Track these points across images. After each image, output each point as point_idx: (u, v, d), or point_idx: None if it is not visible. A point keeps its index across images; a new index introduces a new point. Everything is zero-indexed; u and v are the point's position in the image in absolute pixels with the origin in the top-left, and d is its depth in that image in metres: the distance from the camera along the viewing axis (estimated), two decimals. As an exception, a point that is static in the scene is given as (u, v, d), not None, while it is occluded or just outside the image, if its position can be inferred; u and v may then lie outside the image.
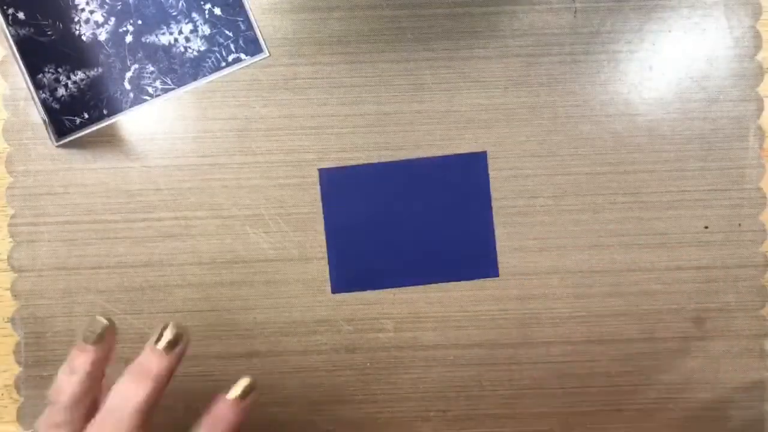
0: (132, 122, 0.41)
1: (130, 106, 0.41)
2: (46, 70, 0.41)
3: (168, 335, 0.29)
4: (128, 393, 0.28)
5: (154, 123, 0.41)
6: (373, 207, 0.41)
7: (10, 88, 0.41)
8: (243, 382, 0.30)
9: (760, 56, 0.41)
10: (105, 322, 0.29)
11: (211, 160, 0.41)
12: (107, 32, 0.41)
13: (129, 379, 0.28)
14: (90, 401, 0.29)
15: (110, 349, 0.30)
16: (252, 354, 0.41)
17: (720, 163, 0.41)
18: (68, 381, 0.29)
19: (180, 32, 0.41)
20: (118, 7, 0.41)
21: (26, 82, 0.40)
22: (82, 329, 0.29)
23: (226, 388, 0.31)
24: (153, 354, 0.29)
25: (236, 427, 0.30)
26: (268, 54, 0.42)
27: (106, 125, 0.41)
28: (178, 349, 0.29)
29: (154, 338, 0.29)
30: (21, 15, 0.40)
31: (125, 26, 0.41)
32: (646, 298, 0.41)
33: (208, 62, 0.41)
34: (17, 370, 0.41)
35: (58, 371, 0.29)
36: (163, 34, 0.41)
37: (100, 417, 0.28)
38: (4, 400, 0.41)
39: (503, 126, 0.41)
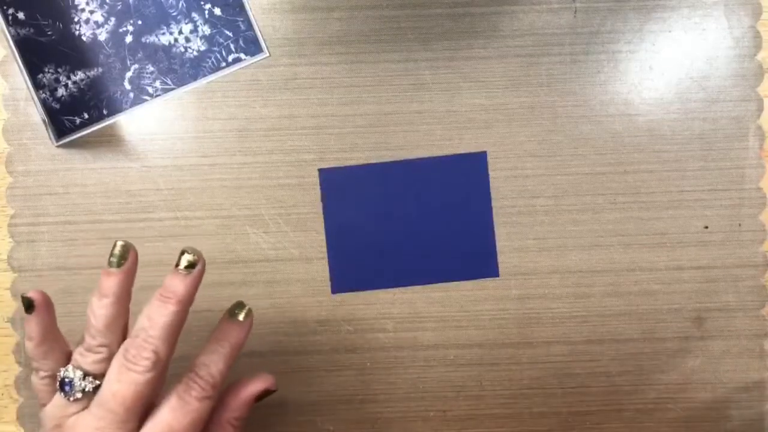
0: (132, 122, 0.41)
1: (130, 106, 0.41)
2: (46, 70, 0.41)
3: (187, 258, 0.32)
4: (155, 313, 0.31)
5: (154, 123, 0.41)
6: (373, 207, 0.41)
7: (10, 88, 0.41)
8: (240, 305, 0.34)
9: (760, 56, 0.41)
10: (123, 242, 0.32)
11: (211, 160, 0.41)
12: (107, 32, 0.41)
13: (155, 302, 0.31)
14: (122, 324, 0.32)
15: (133, 270, 0.33)
16: (252, 354, 0.41)
17: (720, 163, 0.41)
18: (99, 305, 0.31)
19: (180, 32, 0.41)
20: (118, 7, 0.41)
21: (26, 82, 0.40)
22: (107, 256, 0.32)
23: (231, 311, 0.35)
24: (175, 277, 0.32)
25: (241, 345, 0.33)
26: (268, 54, 0.42)
27: (106, 125, 0.41)
28: (196, 270, 0.32)
29: (174, 264, 0.32)
30: (21, 15, 0.40)
31: (125, 26, 0.41)
32: (646, 298, 0.41)
33: (208, 62, 0.41)
34: (17, 370, 0.41)
35: (90, 300, 0.32)
36: (163, 34, 0.41)
37: (131, 338, 0.31)
38: (4, 400, 0.41)
39: (503, 126, 0.41)
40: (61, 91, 0.41)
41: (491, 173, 0.42)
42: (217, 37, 0.41)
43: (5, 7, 0.40)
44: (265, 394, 0.35)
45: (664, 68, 0.41)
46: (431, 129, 0.41)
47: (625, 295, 0.41)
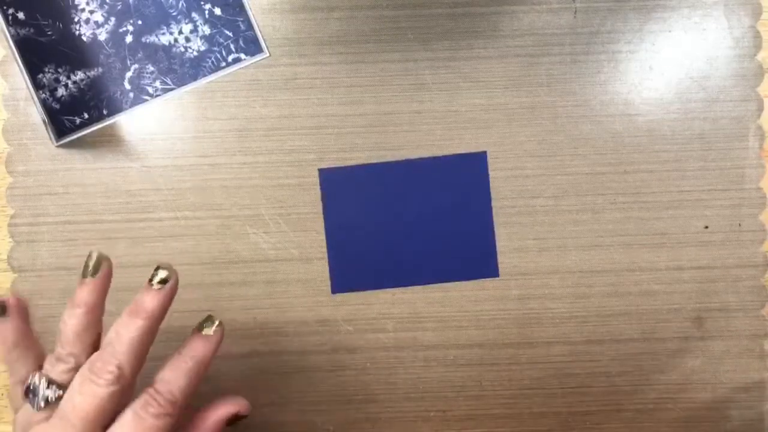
0: (132, 122, 0.41)
1: (130, 106, 0.41)
2: (46, 70, 0.41)
3: (160, 274, 0.31)
4: (123, 328, 0.30)
5: (154, 123, 0.41)
6: (373, 207, 0.41)
7: (10, 88, 0.41)
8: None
9: (760, 56, 0.41)
10: (98, 253, 0.32)
11: (211, 160, 0.41)
12: (107, 32, 0.41)
13: (124, 316, 0.31)
14: (92, 337, 0.32)
15: (107, 281, 0.32)
16: (252, 354, 0.41)
17: (720, 163, 0.41)
18: (71, 314, 0.31)
19: (180, 32, 0.41)
20: (118, 7, 0.41)
21: (26, 82, 0.40)
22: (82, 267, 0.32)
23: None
24: (147, 292, 0.31)
25: (208, 361, 0.32)
26: (268, 54, 0.42)
27: (106, 125, 0.41)
28: (168, 286, 0.32)
29: (147, 279, 0.32)
30: (21, 15, 0.40)
31: (125, 26, 0.41)
32: (646, 298, 0.41)
33: (208, 62, 0.41)
34: (17, 370, 0.41)
35: (64, 310, 0.32)
36: (163, 34, 0.41)
37: (98, 351, 0.30)
38: (3, 400, 0.41)
39: (503, 126, 0.41)
40: (61, 91, 0.41)
41: (491, 173, 0.42)
42: (217, 37, 0.41)
43: (5, 7, 0.40)
44: (236, 418, 0.34)
45: (664, 68, 0.41)
46: (431, 129, 0.41)
47: (625, 295, 0.41)
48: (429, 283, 0.41)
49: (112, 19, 0.41)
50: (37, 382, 0.30)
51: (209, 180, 0.41)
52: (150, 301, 0.31)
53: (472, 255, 0.41)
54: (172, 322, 0.41)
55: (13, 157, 0.41)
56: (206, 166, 0.41)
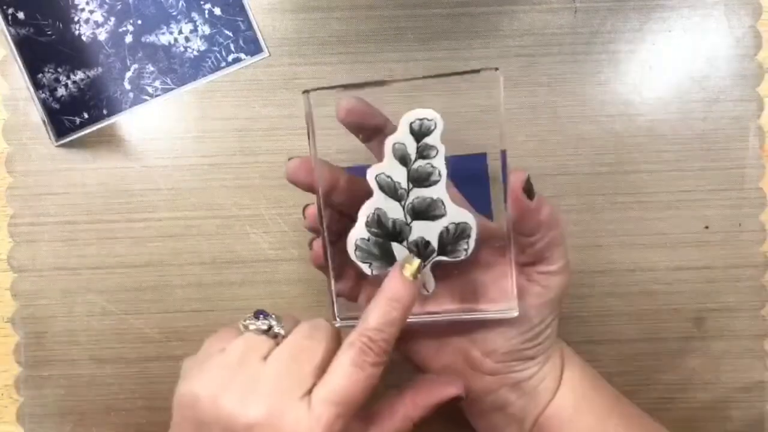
0: (132, 122, 0.41)
1: (129, 106, 0.41)
2: (46, 69, 0.41)
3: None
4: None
5: (154, 123, 0.41)
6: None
7: (10, 88, 0.41)
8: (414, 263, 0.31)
9: (760, 56, 0.41)
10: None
11: (211, 160, 0.41)
12: (107, 32, 0.41)
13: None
14: None
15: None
16: (252, 354, 0.41)
17: (720, 163, 0.41)
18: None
19: (180, 32, 0.41)
20: (118, 7, 0.41)
21: (26, 82, 0.40)
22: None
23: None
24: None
25: (412, 306, 0.30)
26: (268, 54, 0.41)
27: (106, 125, 0.41)
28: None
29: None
30: (21, 15, 0.40)
31: (125, 26, 0.41)
32: (646, 298, 0.41)
33: (207, 62, 0.41)
34: (17, 370, 0.41)
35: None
36: (163, 34, 0.41)
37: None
38: (3, 400, 0.41)
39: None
40: (60, 91, 0.41)
41: (491, 173, 0.41)
42: (217, 36, 0.41)
43: (5, 7, 0.40)
44: (457, 400, 0.32)
45: (664, 68, 0.41)
46: (431, 129, 0.41)
47: (625, 295, 0.41)
48: (429, 283, 0.41)
49: (112, 18, 0.41)
50: (270, 315, 0.31)
51: (209, 180, 0.41)
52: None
53: (472, 255, 0.41)
54: (172, 323, 0.41)
55: (13, 157, 0.41)
56: (206, 166, 0.41)
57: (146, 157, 0.41)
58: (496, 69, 0.31)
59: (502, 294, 0.32)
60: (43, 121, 0.41)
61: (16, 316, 0.41)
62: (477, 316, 0.32)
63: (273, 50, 0.41)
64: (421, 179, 0.31)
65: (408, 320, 0.30)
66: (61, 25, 0.41)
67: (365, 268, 0.32)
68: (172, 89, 0.41)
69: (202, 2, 0.41)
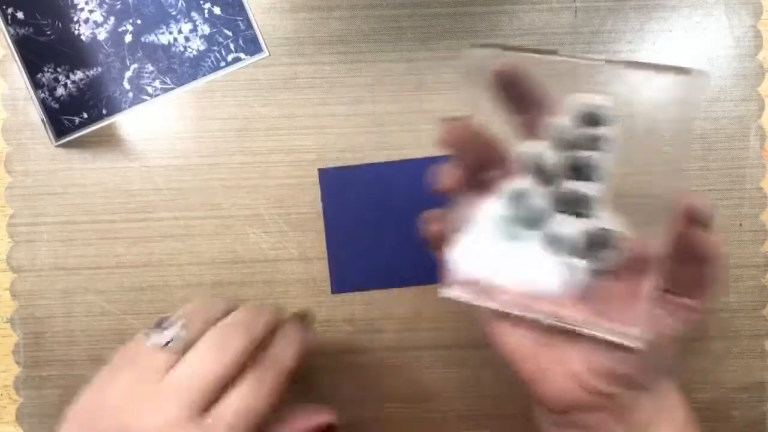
0: (131, 122, 0.41)
1: (129, 106, 0.41)
2: (46, 69, 0.40)
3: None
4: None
5: (154, 123, 0.41)
6: (373, 207, 0.41)
7: (10, 87, 0.41)
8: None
9: (760, 56, 0.41)
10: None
11: (211, 160, 0.41)
12: (106, 32, 0.41)
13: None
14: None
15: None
16: (252, 354, 0.41)
17: (720, 163, 0.41)
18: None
19: (179, 32, 0.41)
20: (118, 7, 0.41)
21: (25, 82, 0.40)
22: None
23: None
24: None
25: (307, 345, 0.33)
26: (267, 54, 0.41)
27: (106, 125, 0.41)
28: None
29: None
30: (20, 15, 0.40)
31: (124, 26, 0.41)
32: (646, 298, 0.41)
33: (207, 62, 0.41)
34: (17, 370, 0.41)
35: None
36: (163, 33, 0.41)
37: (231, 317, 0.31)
38: (3, 401, 0.41)
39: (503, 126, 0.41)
40: (60, 91, 0.41)
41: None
42: (217, 36, 0.41)
43: (4, 7, 0.40)
44: (328, 429, 0.33)
45: (664, 68, 0.41)
46: (431, 129, 0.41)
47: (625, 295, 0.41)
48: (429, 283, 0.41)
49: (112, 18, 0.41)
50: (174, 321, 0.30)
51: (209, 180, 0.41)
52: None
53: (472, 255, 0.41)
54: (171, 323, 0.41)
55: (13, 156, 0.41)
56: (206, 166, 0.41)
57: (146, 157, 0.41)
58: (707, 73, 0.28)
59: (631, 319, 0.27)
60: (43, 121, 0.40)
61: (15, 316, 0.41)
62: (595, 333, 0.28)
63: (273, 50, 0.41)
64: (579, 170, 0.28)
65: (517, 313, 0.29)
66: (60, 25, 0.41)
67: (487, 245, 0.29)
68: (172, 89, 0.41)
69: (201, 2, 0.41)
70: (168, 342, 0.29)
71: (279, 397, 0.30)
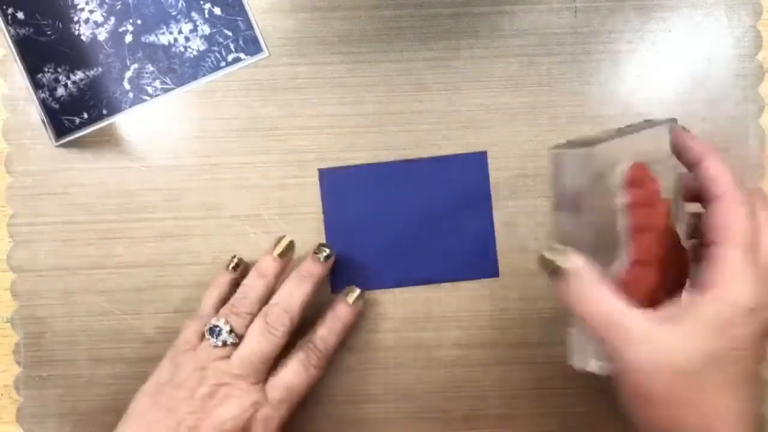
0: (131, 122, 0.41)
1: (129, 106, 0.41)
2: (46, 69, 0.41)
3: (324, 251, 0.39)
4: (296, 288, 0.38)
5: (154, 123, 0.41)
6: (373, 207, 0.41)
7: (10, 87, 0.41)
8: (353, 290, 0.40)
9: (760, 56, 0.41)
10: (290, 240, 0.39)
11: (211, 160, 0.41)
12: (107, 32, 0.41)
13: (295, 279, 0.38)
14: (266, 300, 0.38)
15: (289, 263, 0.39)
16: (252, 354, 0.41)
17: (720, 163, 0.41)
18: (258, 282, 0.38)
19: (179, 32, 0.41)
20: (118, 7, 0.41)
21: (26, 82, 0.40)
22: (272, 245, 0.39)
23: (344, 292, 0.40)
24: (314, 262, 0.39)
25: (349, 327, 0.40)
26: (268, 54, 0.41)
27: (106, 125, 0.41)
28: (330, 260, 0.39)
29: (313, 252, 0.39)
30: (20, 15, 0.40)
31: (125, 26, 0.41)
32: (646, 298, 0.41)
33: (207, 62, 0.41)
34: (17, 370, 0.41)
35: (249, 276, 0.38)
36: (163, 33, 0.41)
37: (270, 305, 0.37)
38: (3, 401, 0.41)
39: (503, 126, 0.41)
40: (60, 91, 0.41)
41: (491, 173, 0.42)
42: (217, 36, 0.41)
43: (4, 7, 0.40)
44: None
45: (664, 68, 0.41)
46: (431, 129, 0.41)
47: (625, 295, 0.41)
48: (429, 283, 0.41)
49: (112, 18, 0.41)
50: (222, 326, 0.36)
51: (209, 180, 0.41)
52: (317, 268, 0.38)
53: (472, 255, 0.41)
54: (172, 323, 0.41)
55: (13, 156, 0.41)
56: (206, 166, 0.41)
57: (146, 157, 0.41)
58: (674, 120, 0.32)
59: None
60: (43, 121, 0.41)
61: (16, 316, 0.41)
62: None
63: (273, 50, 0.41)
64: None
65: None
66: (60, 25, 0.41)
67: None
68: (172, 89, 0.41)
69: (201, 2, 0.41)
70: (223, 343, 0.36)
71: (317, 377, 0.38)
